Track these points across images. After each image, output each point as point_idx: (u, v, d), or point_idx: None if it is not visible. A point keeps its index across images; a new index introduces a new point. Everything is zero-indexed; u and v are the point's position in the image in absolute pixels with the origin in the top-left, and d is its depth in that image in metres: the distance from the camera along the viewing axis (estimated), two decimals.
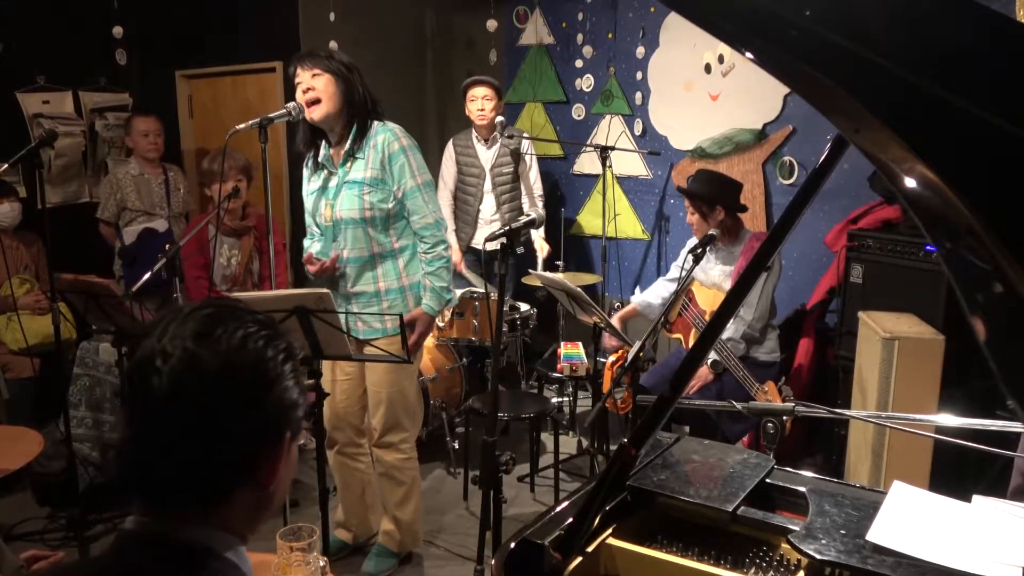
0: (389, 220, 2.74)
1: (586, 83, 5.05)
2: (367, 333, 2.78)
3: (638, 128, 4.81)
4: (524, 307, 4.21)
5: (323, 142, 2.79)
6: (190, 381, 0.88)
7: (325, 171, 2.79)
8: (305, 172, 2.89)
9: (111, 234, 4.46)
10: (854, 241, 3.50)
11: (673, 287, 3.68)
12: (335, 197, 2.74)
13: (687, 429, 3.48)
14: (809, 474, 1.66)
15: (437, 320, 3.79)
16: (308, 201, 2.87)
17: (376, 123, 2.73)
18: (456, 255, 4.50)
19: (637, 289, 4.10)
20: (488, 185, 4.48)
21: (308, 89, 2.63)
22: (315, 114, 2.66)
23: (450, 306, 3.53)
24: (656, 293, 3.84)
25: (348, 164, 2.72)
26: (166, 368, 0.88)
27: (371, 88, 2.75)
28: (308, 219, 2.91)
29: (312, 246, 2.88)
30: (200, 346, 0.89)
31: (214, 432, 0.89)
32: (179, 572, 0.91)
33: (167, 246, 3.32)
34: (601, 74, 4.97)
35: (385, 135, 2.70)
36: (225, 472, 0.92)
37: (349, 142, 2.71)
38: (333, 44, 4.31)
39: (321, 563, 1.64)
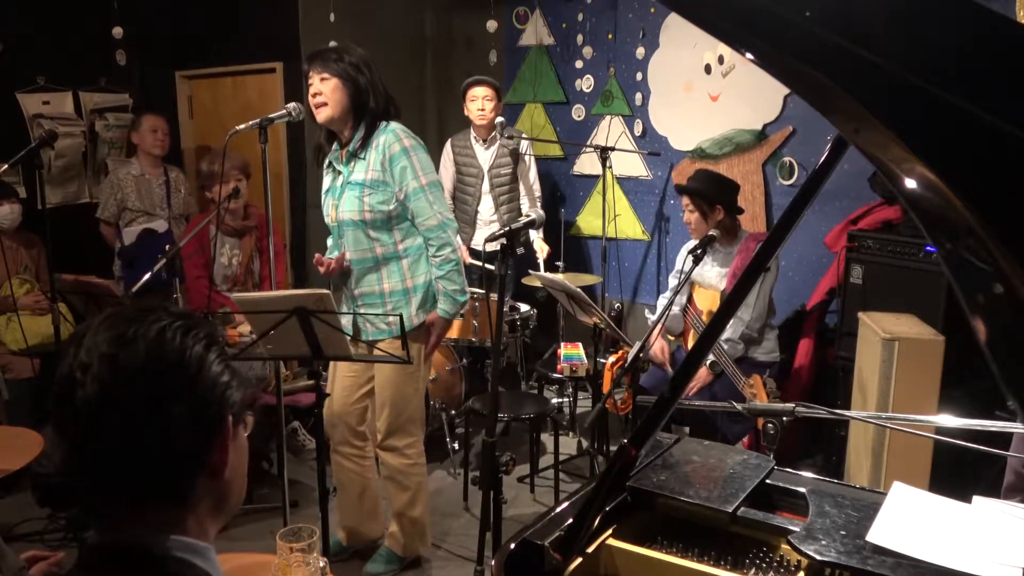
0: (391, 221, 2.72)
1: (586, 84, 5.05)
2: (375, 335, 2.79)
3: (638, 129, 4.81)
4: (524, 308, 4.21)
5: (336, 142, 2.81)
6: (115, 385, 0.86)
7: (334, 170, 2.80)
8: (323, 171, 2.91)
9: (111, 234, 4.47)
10: (854, 242, 3.50)
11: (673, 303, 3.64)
12: (339, 197, 2.75)
13: (687, 430, 3.48)
14: (809, 475, 1.66)
15: None
16: (323, 201, 2.89)
17: (381, 123, 2.72)
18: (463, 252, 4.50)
19: (638, 293, 4.08)
20: (486, 186, 4.48)
21: (316, 93, 2.65)
22: (320, 117, 2.68)
23: (465, 308, 3.34)
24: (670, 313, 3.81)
25: (352, 164, 2.73)
26: (88, 379, 0.85)
27: (385, 86, 2.74)
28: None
29: (332, 247, 2.92)
30: (118, 349, 0.87)
31: (153, 429, 0.87)
32: None
33: (167, 246, 3.32)
34: (601, 75, 4.97)
35: (386, 136, 2.68)
36: (175, 467, 0.90)
37: (352, 143, 2.71)
38: (332, 44, 4.31)
39: (321, 563, 1.64)
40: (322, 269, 2.79)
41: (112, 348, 0.87)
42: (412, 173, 2.66)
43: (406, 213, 2.72)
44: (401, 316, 2.48)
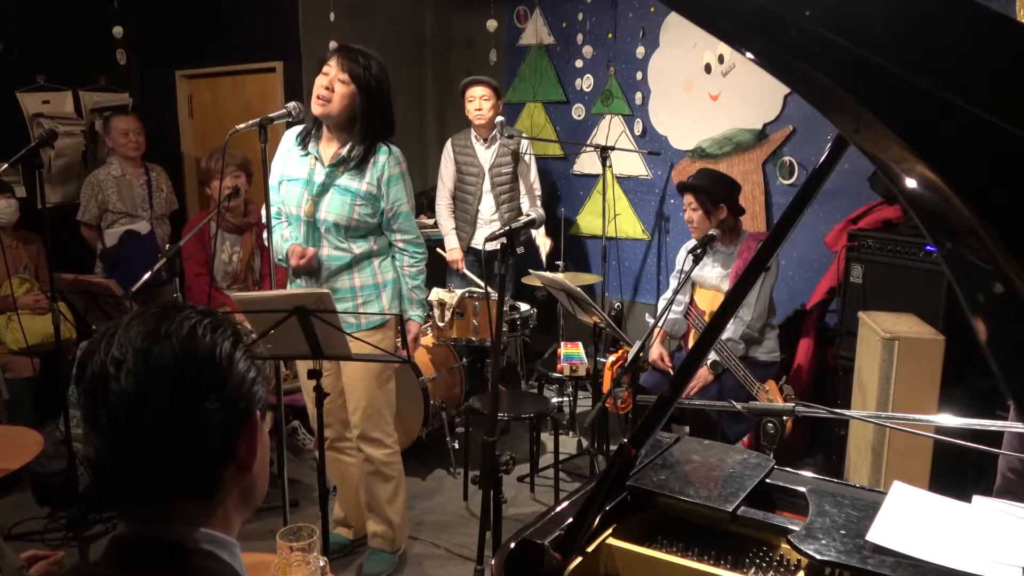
0: (370, 228, 2.80)
1: (586, 83, 5.05)
2: (345, 328, 2.78)
3: (638, 128, 4.81)
4: (524, 307, 4.21)
5: (321, 130, 2.78)
6: (151, 379, 0.87)
7: (311, 160, 2.77)
8: (284, 147, 2.86)
9: (93, 237, 4.42)
10: (854, 241, 3.50)
11: (673, 304, 3.64)
12: (320, 196, 2.74)
13: (687, 429, 3.48)
14: (809, 474, 1.66)
15: (436, 320, 3.87)
16: (283, 185, 2.82)
17: (380, 143, 2.76)
18: (457, 254, 4.50)
19: (638, 292, 4.08)
20: (487, 185, 4.48)
21: (327, 87, 2.64)
22: (317, 109, 2.67)
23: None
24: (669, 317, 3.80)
25: (340, 168, 2.73)
26: (123, 373, 0.87)
27: (391, 100, 2.77)
28: (276, 198, 2.83)
29: (284, 230, 2.86)
30: (152, 344, 0.88)
31: (186, 422, 0.89)
32: (173, 574, 0.90)
33: (167, 246, 3.32)
34: (601, 74, 4.97)
35: (388, 156, 2.75)
36: (207, 460, 0.92)
37: (347, 150, 2.71)
38: (333, 44, 4.31)
39: (321, 563, 1.64)
40: (294, 260, 2.75)
41: (146, 343, 0.88)
42: (405, 197, 2.83)
43: (384, 223, 2.84)
44: (400, 315, 2.49)
